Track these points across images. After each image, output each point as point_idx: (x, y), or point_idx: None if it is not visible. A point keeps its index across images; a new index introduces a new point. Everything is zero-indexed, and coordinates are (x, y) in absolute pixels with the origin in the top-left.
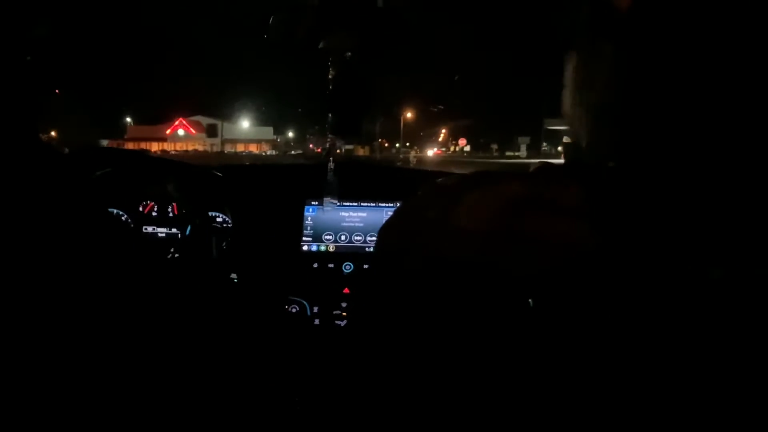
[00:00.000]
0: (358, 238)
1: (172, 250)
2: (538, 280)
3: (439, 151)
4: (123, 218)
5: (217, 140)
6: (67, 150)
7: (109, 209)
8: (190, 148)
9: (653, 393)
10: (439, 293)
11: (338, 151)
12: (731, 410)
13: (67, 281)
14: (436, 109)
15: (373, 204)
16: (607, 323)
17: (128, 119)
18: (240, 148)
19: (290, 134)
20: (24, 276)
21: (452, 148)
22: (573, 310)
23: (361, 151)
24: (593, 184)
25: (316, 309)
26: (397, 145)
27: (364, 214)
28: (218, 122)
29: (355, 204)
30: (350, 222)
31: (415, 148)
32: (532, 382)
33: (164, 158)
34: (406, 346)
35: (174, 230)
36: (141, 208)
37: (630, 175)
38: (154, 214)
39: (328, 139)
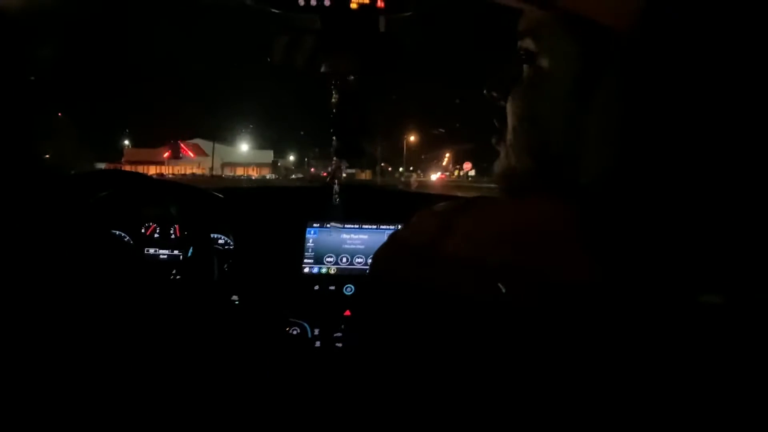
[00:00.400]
0: (360, 260)
1: (173, 271)
2: (532, 311)
3: (443, 176)
4: (125, 240)
5: (215, 164)
6: (69, 172)
7: (112, 231)
8: (188, 171)
9: (653, 418)
10: (428, 322)
11: (343, 175)
12: None
13: (69, 303)
14: (437, 133)
15: (375, 227)
16: (605, 351)
17: (126, 142)
18: (239, 171)
19: (291, 158)
20: (27, 297)
21: (456, 173)
22: (572, 340)
23: (363, 175)
24: (589, 209)
25: (317, 331)
26: (401, 169)
27: (366, 237)
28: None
29: (357, 227)
30: (351, 244)
31: (418, 172)
32: (525, 415)
33: (166, 180)
34: (394, 368)
35: (176, 252)
36: (143, 230)
37: (627, 198)
38: (156, 235)
39: (333, 163)
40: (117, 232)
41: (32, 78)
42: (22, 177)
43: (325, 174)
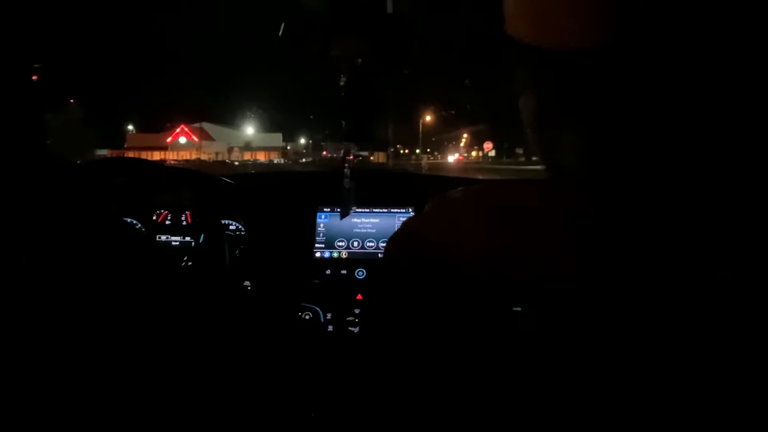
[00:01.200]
0: (371, 244)
1: (185, 258)
2: (543, 297)
3: (460, 157)
4: (137, 227)
5: (221, 148)
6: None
7: (124, 219)
8: (193, 157)
9: (661, 402)
10: (441, 307)
11: (362, 157)
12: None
13: (83, 291)
14: (446, 113)
15: (386, 210)
16: (617, 335)
17: (130, 127)
18: (247, 156)
19: (302, 141)
20: (40, 285)
21: (474, 154)
22: (582, 324)
23: (374, 158)
24: (603, 197)
25: (329, 316)
26: (417, 151)
27: (377, 221)
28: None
29: (368, 210)
30: (363, 228)
31: (435, 153)
32: (534, 392)
33: (177, 167)
34: (407, 352)
35: (187, 239)
36: (155, 217)
37: (639, 186)
38: (167, 222)
39: (343, 146)
40: (129, 220)
41: (37, 66)
42: (32, 166)
43: (351, 157)
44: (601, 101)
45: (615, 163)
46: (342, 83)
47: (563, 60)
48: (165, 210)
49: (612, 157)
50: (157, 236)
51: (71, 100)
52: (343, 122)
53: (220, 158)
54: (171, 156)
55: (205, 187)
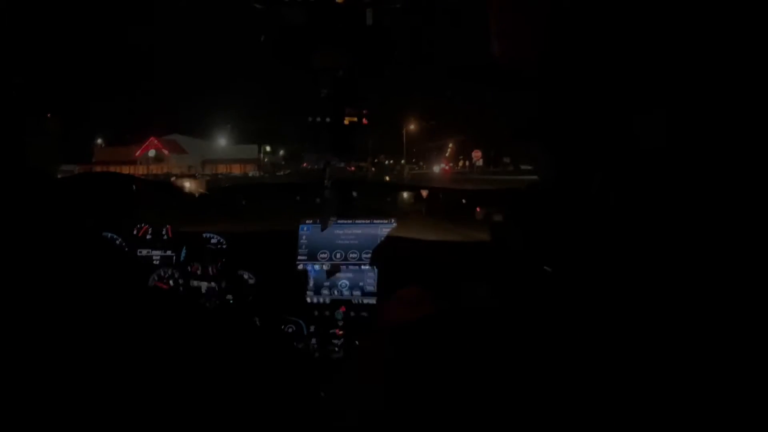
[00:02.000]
0: (354, 255)
1: (167, 273)
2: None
3: (447, 168)
4: (117, 242)
5: (194, 161)
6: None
7: (103, 233)
8: (164, 171)
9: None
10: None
11: (352, 168)
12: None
13: (62, 308)
14: (427, 124)
15: (368, 221)
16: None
17: (99, 140)
18: (221, 169)
19: (281, 152)
20: (18, 301)
21: (460, 164)
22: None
23: (374, 168)
24: (577, 201)
25: (312, 328)
26: (402, 161)
27: (359, 231)
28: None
29: (350, 221)
30: (345, 239)
31: (421, 163)
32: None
33: (158, 181)
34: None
35: (168, 252)
36: (135, 232)
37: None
38: (148, 237)
39: (323, 157)
40: (108, 235)
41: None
42: (14, 181)
43: (352, 169)
44: (550, 116)
45: (573, 170)
46: (322, 95)
47: (517, 80)
48: (145, 224)
49: (570, 165)
50: (138, 251)
51: (48, 114)
52: (324, 134)
53: (192, 172)
54: (140, 170)
55: (184, 199)
